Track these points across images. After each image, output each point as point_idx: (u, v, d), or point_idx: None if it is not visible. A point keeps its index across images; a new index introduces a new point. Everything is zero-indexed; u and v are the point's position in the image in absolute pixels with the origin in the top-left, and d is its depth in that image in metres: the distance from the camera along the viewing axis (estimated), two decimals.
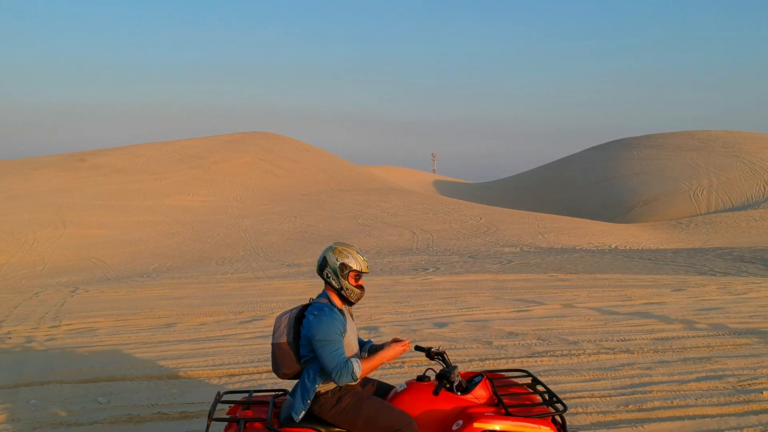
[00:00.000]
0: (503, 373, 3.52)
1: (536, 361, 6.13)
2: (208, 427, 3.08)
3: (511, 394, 3.22)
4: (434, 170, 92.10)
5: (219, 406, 4.19)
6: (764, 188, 41.71)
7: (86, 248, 32.37)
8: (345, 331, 3.01)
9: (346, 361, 2.92)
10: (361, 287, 3.15)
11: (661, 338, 7.08)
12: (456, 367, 3.15)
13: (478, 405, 3.03)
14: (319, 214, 37.44)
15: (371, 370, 3.02)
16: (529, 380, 3.42)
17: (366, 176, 51.13)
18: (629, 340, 6.99)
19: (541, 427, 2.92)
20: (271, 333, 3.23)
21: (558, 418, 3.09)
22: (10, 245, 31.95)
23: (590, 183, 47.61)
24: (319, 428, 2.98)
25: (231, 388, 5.57)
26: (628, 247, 27.09)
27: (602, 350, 6.55)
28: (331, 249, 3.11)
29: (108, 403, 5.25)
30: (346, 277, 3.10)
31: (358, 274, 3.13)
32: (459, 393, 3.07)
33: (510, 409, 2.97)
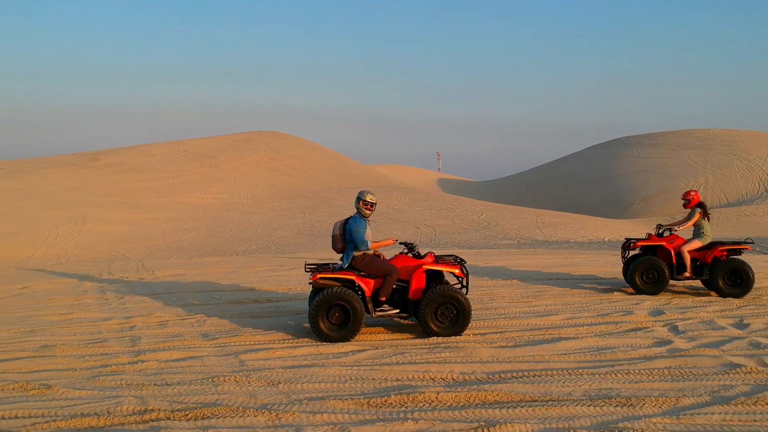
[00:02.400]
0: (444, 257, 7.54)
1: (482, 283, 10.13)
2: (305, 268, 7.10)
3: (444, 260, 7.26)
4: (439, 169, 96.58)
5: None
6: (759, 185, 45.30)
7: (106, 243, 36.07)
8: (366, 228, 7.04)
9: (365, 240, 6.95)
10: (369, 211, 7.12)
11: (577, 276, 11.07)
12: (417, 245, 7.21)
13: (426, 262, 7.07)
14: (326, 210, 41.09)
15: (377, 247, 7.05)
16: (453, 257, 7.46)
17: (371, 174, 55.24)
18: (552, 277, 11.00)
19: (454, 269, 6.98)
20: (331, 231, 7.26)
21: (463, 268, 7.12)
22: (34, 239, 35.78)
23: (591, 181, 51.63)
24: (354, 272, 6.99)
25: (291, 294, 9.58)
26: (619, 240, 30.87)
27: (528, 280, 10.58)
28: (362, 192, 7.10)
29: (219, 299, 9.30)
30: (362, 203, 7.11)
31: (370, 205, 7.12)
32: (418, 257, 7.12)
33: (440, 263, 7.02)
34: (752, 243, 9.49)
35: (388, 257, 7.31)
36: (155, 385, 5.43)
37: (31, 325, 7.74)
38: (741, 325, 7.33)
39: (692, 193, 9.80)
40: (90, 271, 12.95)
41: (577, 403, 4.86)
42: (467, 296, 7.05)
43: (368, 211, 7.11)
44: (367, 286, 6.93)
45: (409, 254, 7.24)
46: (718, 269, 9.13)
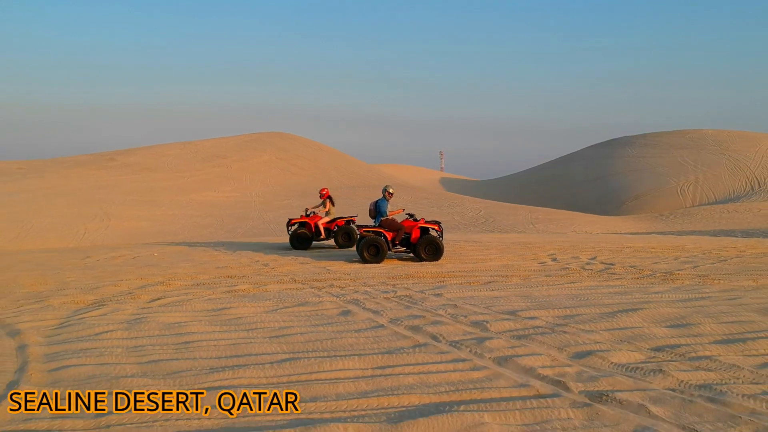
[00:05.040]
0: (430, 221, 15.10)
1: (455, 244, 17.68)
2: (355, 225, 14.66)
3: (430, 222, 14.87)
4: (442, 168, 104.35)
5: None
6: (746, 183, 52.73)
7: (131, 238, 43.32)
8: (387, 206, 14.66)
9: (386, 212, 14.60)
10: (390, 197, 14.73)
11: (520, 242, 18.57)
12: (414, 214, 14.84)
13: (420, 223, 14.69)
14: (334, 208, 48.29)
15: (392, 215, 14.67)
16: (435, 221, 15.04)
17: (376, 174, 62.85)
18: (505, 243, 18.53)
19: (435, 226, 14.60)
20: (368, 204, 14.88)
21: (440, 226, 14.71)
22: (66, 234, 43.12)
23: (588, 180, 59.21)
24: (382, 228, 14.54)
25: (332, 252, 17.07)
26: (605, 232, 38.22)
27: (486, 243, 18.13)
28: (387, 186, 14.80)
29: (285, 249, 16.80)
30: (386, 193, 14.75)
31: (390, 194, 14.76)
32: (416, 220, 14.74)
33: (427, 223, 14.65)
34: (356, 216, 18.03)
35: (399, 220, 14.82)
36: (293, 275, 12.96)
37: (198, 261, 15.29)
38: (592, 257, 14.83)
39: (323, 190, 18.30)
40: (185, 241, 20.51)
41: (483, 276, 12.39)
42: (442, 241, 14.59)
43: (389, 197, 14.69)
44: (388, 235, 14.48)
45: (411, 219, 14.80)
46: (338, 233, 17.58)
